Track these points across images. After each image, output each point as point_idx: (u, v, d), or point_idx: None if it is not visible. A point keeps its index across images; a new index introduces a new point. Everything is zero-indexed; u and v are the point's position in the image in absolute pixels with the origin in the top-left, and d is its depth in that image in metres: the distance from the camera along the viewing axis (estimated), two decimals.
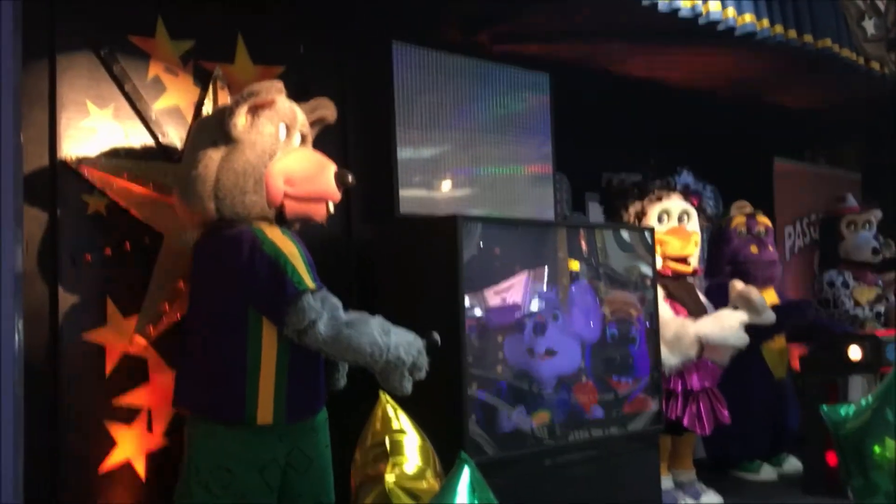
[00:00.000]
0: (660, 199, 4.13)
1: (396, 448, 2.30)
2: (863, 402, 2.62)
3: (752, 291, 4.04)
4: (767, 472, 4.69)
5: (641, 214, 4.11)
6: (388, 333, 2.37)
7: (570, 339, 3.30)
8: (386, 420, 2.40)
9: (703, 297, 4.19)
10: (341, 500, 2.66)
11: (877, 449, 2.45)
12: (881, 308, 5.17)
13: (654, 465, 3.62)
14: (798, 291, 5.66)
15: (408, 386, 2.38)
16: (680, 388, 3.89)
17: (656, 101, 4.76)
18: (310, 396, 2.49)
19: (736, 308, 3.97)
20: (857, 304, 5.22)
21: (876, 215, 5.45)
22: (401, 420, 2.40)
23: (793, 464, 4.80)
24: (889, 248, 5.65)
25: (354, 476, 2.34)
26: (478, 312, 3.00)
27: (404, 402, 2.53)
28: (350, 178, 2.57)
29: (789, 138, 5.98)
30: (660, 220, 4.11)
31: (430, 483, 2.23)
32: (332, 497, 2.61)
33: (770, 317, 4.06)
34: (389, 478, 2.21)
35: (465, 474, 1.92)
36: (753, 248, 4.71)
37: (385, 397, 2.47)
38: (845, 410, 2.61)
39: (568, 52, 4.08)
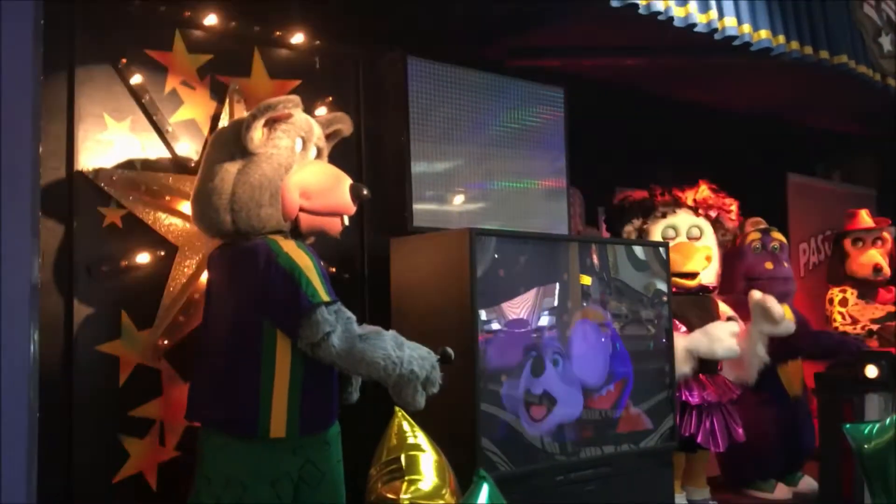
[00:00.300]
0: (664, 215, 4.12)
1: (412, 465, 2.27)
2: (887, 420, 2.58)
3: (769, 300, 4.00)
4: (782, 491, 4.63)
5: (644, 233, 4.11)
6: (402, 347, 2.36)
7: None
8: (402, 436, 2.38)
9: (729, 313, 4.14)
10: None
11: None
12: (873, 326, 5.11)
13: (668, 482, 3.59)
14: (812, 308, 5.62)
15: (421, 401, 2.36)
16: (694, 401, 3.86)
17: (671, 116, 4.75)
18: (323, 410, 2.48)
19: (732, 319, 3.93)
20: (854, 321, 5.17)
21: (890, 231, 5.40)
22: (417, 436, 2.37)
23: (808, 483, 4.74)
24: None
25: (369, 492, 2.31)
26: (493, 326, 2.98)
27: (416, 417, 2.52)
28: (365, 191, 2.57)
29: (803, 154, 5.96)
30: (666, 236, 4.09)
31: (446, 501, 2.20)
32: None
33: (788, 327, 4.03)
34: (405, 497, 2.19)
35: (484, 492, 1.88)
36: (768, 265, 4.68)
37: (401, 413, 2.46)
38: (868, 429, 2.57)
39: (583, 67, 4.09)
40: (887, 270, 5.23)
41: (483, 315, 2.95)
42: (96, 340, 2.71)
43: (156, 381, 2.80)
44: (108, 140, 2.78)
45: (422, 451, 2.33)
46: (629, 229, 4.20)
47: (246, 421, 2.35)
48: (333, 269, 3.18)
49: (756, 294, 4.09)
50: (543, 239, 3.35)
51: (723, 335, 3.80)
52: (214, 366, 2.44)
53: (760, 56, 3.66)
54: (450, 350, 2.47)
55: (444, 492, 2.24)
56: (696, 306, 4.03)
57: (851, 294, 5.30)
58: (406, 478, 2.24)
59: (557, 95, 3.94)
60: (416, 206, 3.44)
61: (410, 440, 2.35)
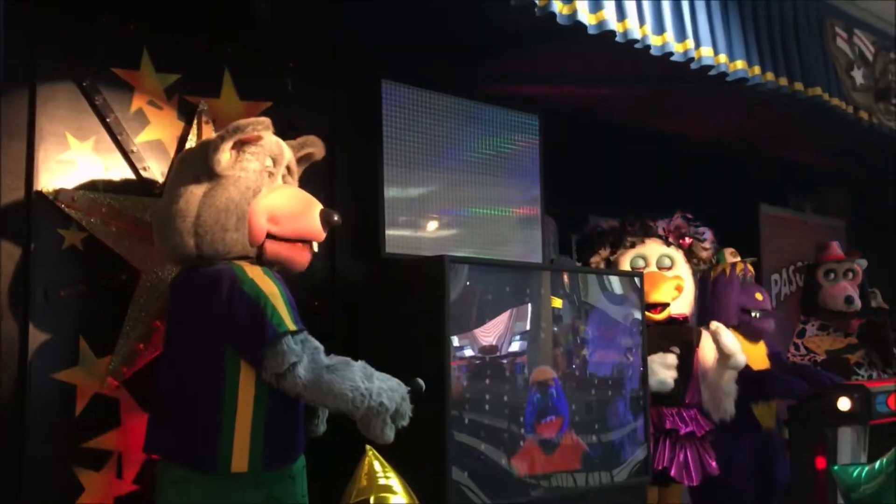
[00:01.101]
0: (633, 245, 4.10)
1: None
2: (877, 463, 2.52)
3: (722, 332, 3.97)
4: None
5: (612, 264, 4.08)
6: (371, 379, 2.28)
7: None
8: (372, 476, 2.28)
9: (708, 345, 4.10)
10: None
11: None
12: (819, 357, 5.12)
13: None
14: (783, 339, 5.62)
15: (390, 434, 2.28)
16: (665, 427, 3.81)
17: (645, 146, 4.75)
18: (288, 443, 2.38)
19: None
20: (811, 351, 5.16)
21: (860, 264, 5.41)
22: (389, 477, 2.28)
23: None
24: (875, 297, 5.63)
25: None
26: (465, 353, 2.91)
27: (386, 447, 2.43)
28: (336, 217, 2.50)
29: (775, 185, 6.00)
30: (635, 266, 4.06)
31: None
32: None
33: (740, 361, 3.99)
34: None
35: None
36: (758, 296, 4.66)
37: (371, 451, 2.36)
38: (857, 471, 2.52)
39: (558, 96, 4.06)
40: (859, 302, 5.24)
41: (456, 341, 2.88)
42: (52, 368, 2.59)
43: (114, 410, 2.68)
44: (70, 160, 2.68)
45: (393, 492, 2.23)
46: (596, 259, 4.17)
47: (206, 454, 2.24)
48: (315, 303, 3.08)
49: (713, 324, 4.06)
50: (518, 267, 3.29)
51: (655, 367, 3.75)
52: (174, 396, 2.34)
53: (736, 87, 3.66)
54: (420, 381, 2.40)
55: None
56: (665, 338, 3.98)
57: (811, 325, 5.30)
58: None
59: (532, 122, 3.91)
60: (389, 232, 3.38)
61: (381, 481, 2.25)
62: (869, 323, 5.20)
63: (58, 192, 2.63)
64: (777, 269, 5.99)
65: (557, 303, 3.29)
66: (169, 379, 2.39)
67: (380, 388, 2.26)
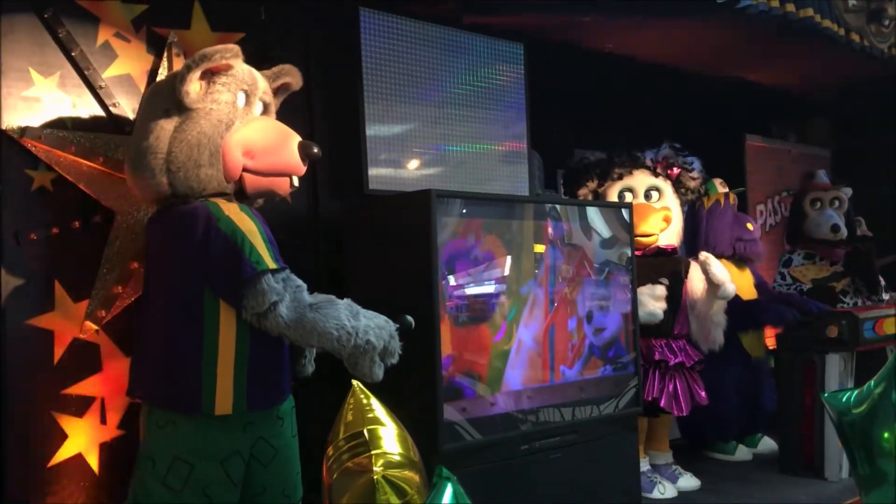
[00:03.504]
0: (620, 177, 4.03)
1: (375, 439, 2.13)
2: (865, 387, 2.50)
3: (711, 262, 3.93)
4: (743, 454, 4.64)
5: (599, 196, 4.01)
6: (357, 316, 2.21)
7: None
8: (360, 410, 2.22)
9: (697, 276, 4.06)
10: (308, 493, 2.51)
11: (886, 435, 2.33)
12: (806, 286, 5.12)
13: (633, 447, 3.52)
14: (767, 269, 5.61)
15: (379, 372, 2.22)
16: (654, 358, 3.81)
17: (630, 77, 4.64)
18: (273, 383, 2.33)
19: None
20: (796, 281, 5.16)
21: (846, 193, 5.38)
22: (375, 409, 2.23)
23: (767, 444, 4.76)
24: (860, 226, 5.62)
25: (330, 470, 2.16)
26: (452, 294, 2.85)
27: (374, 389, 2.39)
28: (315, 149, 2.40)
29: (760, 115, 5.93)
30: (622, 198, 4.00)
31: (411, 475, 2.07)
32: (300, 491, 2.46)
33: (730, 290, 3.97)
34: (377, 469, 2.02)
35: (448, 496, 1.72)
36: (749, 225, 4.63)
37: (358, 386, 2.31)
38: (846, 396, 2.50)
39: (540, 25, 3.93)
40: (844, 230, 5.22)
41: (446, 281, 2.81)
42: (28, 313, 2.51)
43: (94, 356, 2.61)
44: (35, 97, 2.56)
45: (382, 424, 2.18)
46: (583, 192, 4.11)
47: (188, 397, 2.18)
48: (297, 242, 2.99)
49: (702, 254, 4.02)
50: (507, 200, 3.20)
51: (644, 299, 3.72)
52: (154, 338, 2.27)
53: (726, 9, 3.54)
54: (409, 318, 2.33)
55: (409, 464, 2.10)
56: (654, 269, 3.94)
57: (797, 255, 5.29)
58: (372, 452, 2.09)
59: (517, 51, 3.79)
60: (372, 170, 3.28)
61: (369, 414, 2.20)
62: (854, 251, 5.20)
63: (23, 131, 2.51)
64: (762, 200, 5.97)
65: (540, 248, 3.21)
66: (148, 321, 2.32)
67: (366, 326, 2.19)
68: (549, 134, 4.21)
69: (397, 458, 2.08)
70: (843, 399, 2.48)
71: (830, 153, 6.58)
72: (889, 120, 5.63)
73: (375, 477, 1.98)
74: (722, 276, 3.94)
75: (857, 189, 5.42)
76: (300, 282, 2.23)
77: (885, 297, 5.13)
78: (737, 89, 5.22)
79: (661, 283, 3.72)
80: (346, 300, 2.26)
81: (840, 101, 5.84)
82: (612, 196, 4.02)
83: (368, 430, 2.12)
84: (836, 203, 5.33)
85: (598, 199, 3.98)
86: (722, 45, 4.43)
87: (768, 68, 4.96)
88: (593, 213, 3.44)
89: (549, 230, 3.24)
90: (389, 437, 2.13)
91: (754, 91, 5.32)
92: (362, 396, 2.26)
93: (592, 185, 4.06)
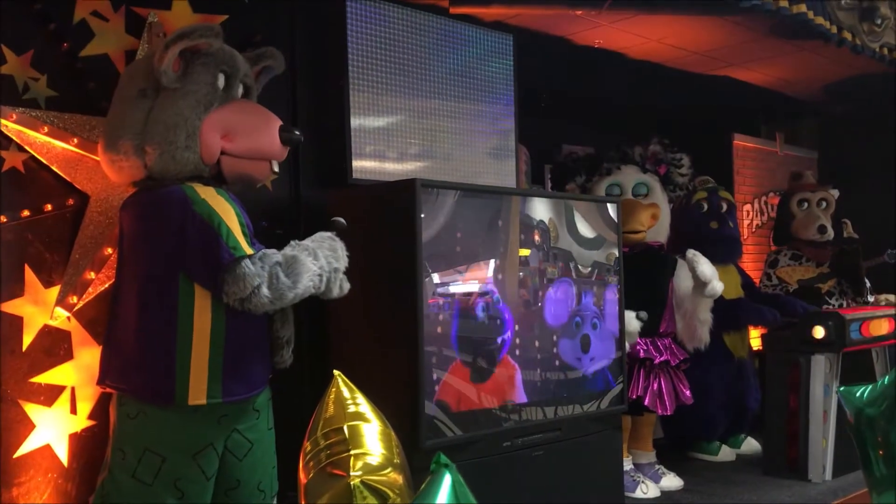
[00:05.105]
0: (609, 172, 3.98)
1: (356, 437, 2.03)
2: (878, 383, 2.42)
3: (698, 260, 3.89)
4: (726, 454, 4.60)
5: (587, 191, 3.96)
6: (316, 255, 2.22)
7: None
8: (341, 403, 2.11)
9: (684, 273, 4.02)
10: (284, 489, 2.44)
11: None
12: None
13: (616, 446, 3.47)
14: (754, 269, 5.60)
15: (346, 286, 2.34)
16: (639, 357, 3.75)
17: (619, 73, 4.60)
18: (250, 373, 2.26)
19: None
20: (782, 281, 5.14)
21: (833, 194, 5.37)
22: (359, 403, 2.12)
23: (751, 445, 4.73)
24: (846, 228, 5.61)
25: (306, 469, 2.06)
26: (437, 287, 2.79)
27: (357, 384, 2.31)
28: (297, 133, 2.33)
29: (748, 115, 5.91)
30: (610, 194, 3.94)
31: (394, 477, 1.98)
32: (275, 486, 2.39)
33: (717, 288, 3.93)
34: (355, 474, 1.93)
35: (446, 487, 1.64)
36: (713, 224, 4.59)
37: (340, 377, 2.21)
38: (861, 391, 2.41)
39: (529, 19, 3.86)
40: (831, 231, 5.21)
41: (430, 276, 2.75)
42: None
43: (65, 343, 2.53)
44: (7, 75, 2.46)
45: (365, 420, 2.09)
46: (571, 187, 4.05)
47: (161, 387, 2.11)
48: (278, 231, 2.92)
49: (689, 252, 3.98)
50: (493, 192, 3.13)
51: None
52: (127, 325, 2.19)
53: (719, 3, 3.49)
54: (340, 219, 2.38)
55: (391, 465, 2.01)
56: (642, 266, 3.88)
57: (784, 256, 5.27)
58: (351, 451, 1.99)
59: (506, 41, 3.72)
60: (356, 161, 3.20)
61: (351, 408, 2.10)
62: (841, 252, 5.18)
63: None
64: (749, 200, 5.95)
65: (525, 252, 3.14)
66: (121, 308, 2.24)
67: (326, 257, 2.23)
68: (536, 129, 4.15)
69: (379, 458, 1.98)
70: (858, 394, 2.39)
71: (817, 155, 6.57)
72: (876, 122, 5.63)
73: (353, 482, 1.88)
74: (709, 274, 3.91)
75: (842, 191, 5.41)
76: (276, 255, 2.18)
77: (871, 298, 5.11)
78: (726, 88, 5.18)
79: (639, 319, 3.64)
80: (297, 246, 2.22)
81: (828, 102, 5.82)
82: (600, 191, 3.97)
83: (349, 427, 2.01)
84: (824, 204, 5.31)
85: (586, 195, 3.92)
86: (712, 42, 4.38)
87: (758, 67, 4.92)
88: (579, 214, 3.36)
89: (536, 233, 3.17)
90: (372, 435, 2.02)
91: (743, 90, 5.29)
92: (345, 388, 2.14)
93: (581, 179, 4.01)
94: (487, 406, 2.92)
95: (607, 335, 3.45)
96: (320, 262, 2.20)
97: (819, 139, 6.60)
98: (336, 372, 2.23)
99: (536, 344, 3.13)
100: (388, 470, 1.97)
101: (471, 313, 2.91)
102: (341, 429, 2.02)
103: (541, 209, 3.20)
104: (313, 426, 2.11)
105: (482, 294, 2.95)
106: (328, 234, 2.31)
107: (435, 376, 2.74)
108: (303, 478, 2.04)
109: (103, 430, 2.45)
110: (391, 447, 2.06)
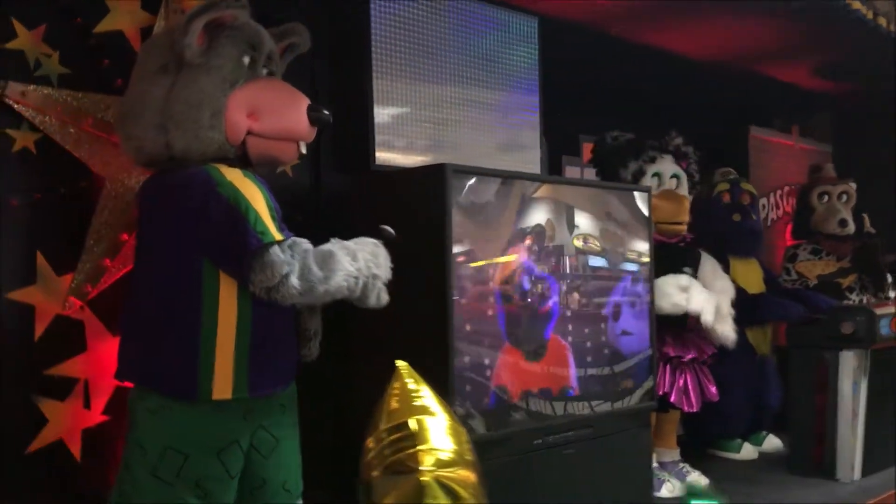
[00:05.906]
0: (653, 160, 3.85)
1: (423, 432, 1.90)
2: None
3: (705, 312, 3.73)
4: (748, 452, 4.50)
5: (639, 175, 3.82)
6: (356, 256, 2.06)
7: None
8: (406, 397, 1.96)
9: (710, 266, 3.92)
10: (308, 490, 2.32)
11: None
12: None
13: (646, 443, 3.36)
14: (770, 264, 5.49)
15: (385, 297, 2.13)
16: (670, 353, 3.65)
17: (637, 64, 4.48)
18: (278, 365, 2.13)
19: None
20: (801, 276, 5.05)
21: (853, 187, 5.27)
22: (424, 396, 1.99)
23: (773, 442, 4.62)
24: (865, 222, 5.51)
25: (367, 466, 1.92)
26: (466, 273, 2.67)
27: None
28: (326, 113, 2.21)
29: (764, 107, 5.80)
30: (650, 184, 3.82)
31: (465, 474, 1.84)
32: (300, 485, 2.27)
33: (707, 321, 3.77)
34: (426, 469, 1.80)
35: None
36: (736, 216, 4.50)
37: (404, 367, 2.06)
38: None
39: (552, 6, 3.74)
40: (853, 225, 5.11)
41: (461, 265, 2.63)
42: (7, 286, 2.32)
43: (79, 334, 2.43)
44: (18, 50, 2.35)
45: (431, 414, 1.94)
46: (629, 171, 3.86)
47: (184, 380, 1.98)
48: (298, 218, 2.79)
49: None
50: (524, 179, 3.00)
51: (669, 290, 3.55)
52: (147, 316, 2.06)
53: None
54: (388, 228, 2.23)
55: (462, 462, 1.88)
56: (667, 260, 3.77)
57: (803, 250, 5.17)
58: (419, 447, 1.85)
59: (531, 25, 3.60)
60: (378, 146, 3.07)
61: (417, 402, 1.96)
62: (862, 246, 5.08)
63: (4, 86, 2.30)
64: (765, 193, 5.84)
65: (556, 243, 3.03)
66: (140, 297, 2.11)
67: (366, 261, 2.08)
68: (554, 118, 4.03)
69: (449, 454, 1.85)
70: None
71: (831, 148, 6.47)
72: (891, 117, 5.53)
73: (425, 479, 1.75)
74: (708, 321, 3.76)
75: (858, 185, 5.32)
76: (306, 244, 2.03)
77: (892, 294, 5.01)
78: (744, 80, 5.08)
79: (684, 273, 3.53)
80: (337, 243, 2.08)
81: (844, 96, 5.72)
82: (648, 178, 3.81)
83: (416, 421, 1.88)
84: (844, 197, 5.22)
85: (637, 181, 3.76)
86: (738, 36, 4.27)
87: (781, 58, 4.82)
88: (616, 202, 3.24)
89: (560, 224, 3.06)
90: (439, 430, 1.89)
91: (761, 84, 5.19)
92: (409, 380, 1.98)
93: (634, 165, 3.84)
94: (518, 402, 2.81)
95: (641, 329, 3.34)
96: (359, 263, 2.05)
97: (833, 132, 6.50)
98: (399, 363, 2.09)
99: (572, 339, 3.02)
100: (460, 466, 1.84)
101: (512, 302, 2.81)
102: (406, 423, 1.88)
103: (571, 197, 3.08)
104: (375, 421, 1.97)
105: (513, 283, 2.83)
106: (373, 240, 2.16)
107: (464, 373, 2.63)
108: (366, 476, 1.90)
109: (117, 425, 2.33)
110: (461, 443, 1.93)
